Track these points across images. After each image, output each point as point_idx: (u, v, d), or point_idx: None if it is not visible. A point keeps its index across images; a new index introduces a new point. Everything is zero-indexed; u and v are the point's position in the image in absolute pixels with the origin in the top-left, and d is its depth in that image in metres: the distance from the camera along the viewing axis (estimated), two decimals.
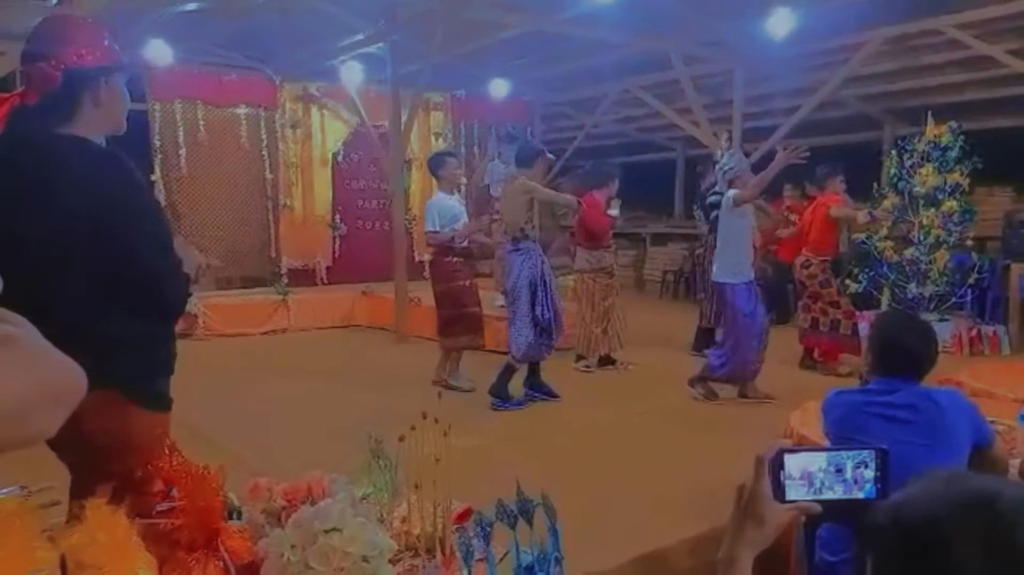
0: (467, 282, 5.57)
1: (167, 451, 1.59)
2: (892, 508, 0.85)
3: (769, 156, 8.32)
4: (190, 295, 1.87)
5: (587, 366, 6.22)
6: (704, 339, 6.51)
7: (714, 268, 5.29)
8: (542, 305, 5.04)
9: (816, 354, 6.19)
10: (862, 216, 6.40)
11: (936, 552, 0.78)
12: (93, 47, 1.76)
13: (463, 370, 5.65)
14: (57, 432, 0.73)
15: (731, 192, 5.06)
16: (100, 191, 1.68)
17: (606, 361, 6.27)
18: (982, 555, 0.75)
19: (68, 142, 1.72)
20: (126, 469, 1.62)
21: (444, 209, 5.45)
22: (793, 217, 7.56)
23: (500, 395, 5.13)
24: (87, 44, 1.75)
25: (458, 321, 5.54)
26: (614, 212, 6.05)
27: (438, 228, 5.42)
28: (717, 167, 5.36)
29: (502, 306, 7.40)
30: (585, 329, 6.21)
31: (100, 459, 1.68)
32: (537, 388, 5.32)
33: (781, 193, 8.52)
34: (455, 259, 5.52)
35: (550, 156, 5.26)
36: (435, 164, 5.63)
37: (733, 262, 5.08)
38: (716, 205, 5.24)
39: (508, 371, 5.15)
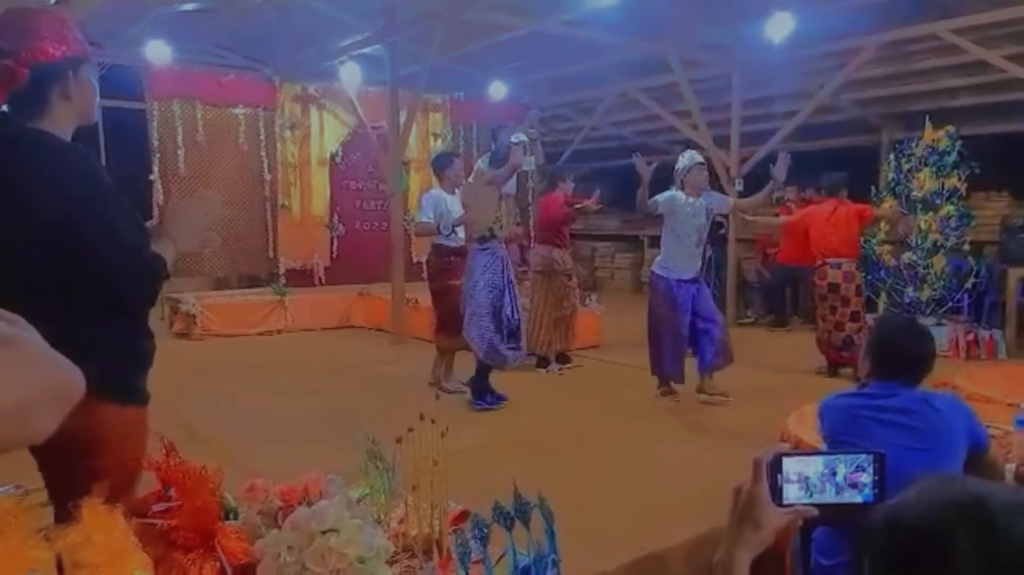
0: (461, 282, 5.56)
1: (164, 451, 1.59)
2: (887, 511, 0.85)
3: (768, 160, 8.40)
4: (156, 285, 1.79)
5: (561, 369, 6.29)
6: None
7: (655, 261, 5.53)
8: (510, 306, 4.93)
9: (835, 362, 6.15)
10: (899, 212, 6.58)
11: (930, 555, 0.78)
12: (59, 40, 1.69)
13: (456, 372, 5.62)
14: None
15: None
16: (58, 186, 1.65)
17: (563, 359, 6.39)
18: (976, 557, 0.76)
19: (29, 135, 1.69)
20: (103, 466, 1.61)
21: (439, 203, 5.43)
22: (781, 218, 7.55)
23: (479, 395, 5.09)
24: (53, 37, 1.69)
25: (451, 321, 5.50)
26: (567, 186, 6.29)
27: (433, 220, 5.40)
28: (676, 170, 5.45)
29: None
30: (541, 329, 6.26)
31: (73, 457, 1.65)
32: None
33: (784, 197, 8.53)
34: (452, 258, 5.51)
35: (529, 133, 5.24)
36: (442, 163, 5.62)
37: (669, 259, 5.24)
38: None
39: (483, 370, 5.07)
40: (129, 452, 1.75)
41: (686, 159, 5.29)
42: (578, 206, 6.30)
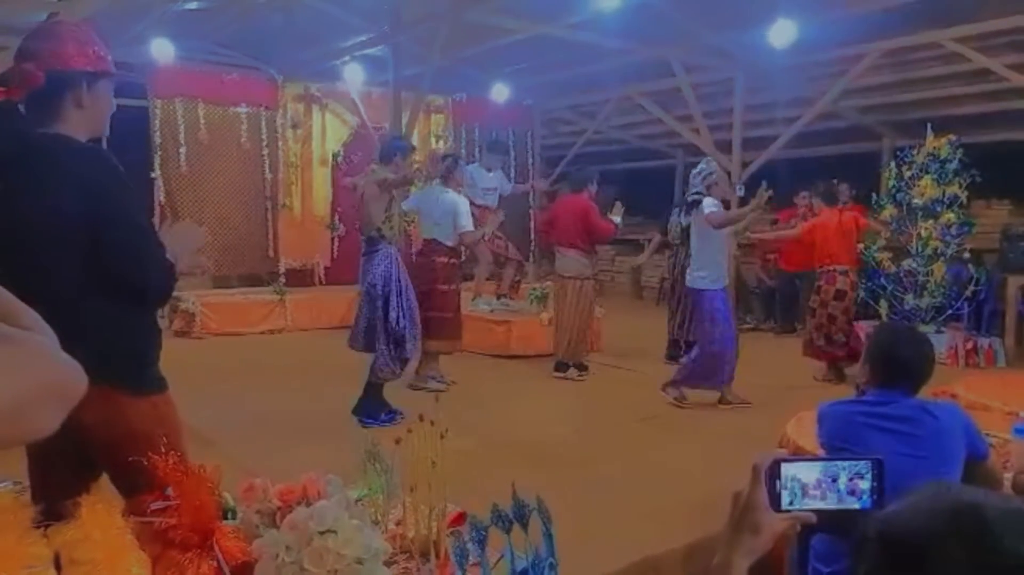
0: (452, 287, 5.52)
1: (161, 450, 1.59)
2: (880, 520, 0.85)
3: (768, 165, 8.40)
4: (174, 282, 1.92)
5: (581, 375, 6.14)
6: (675, 348, 6.53)
7: (689, 274, 5.40)
8: (397, 310, 4.66)
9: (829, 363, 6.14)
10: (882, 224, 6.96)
11: (922, 563, 0.78)
12: (79, 52, 1.85)
13: (443, 368, 5.58)
14: (59, 434, 0.73)
15: (708, 203, 5.15)
16: (84, 185, 1.76)
17: (581, 367, 6.19)
18: (968, 566, 0.76)
19: (53, 139, 1.80)
20: (138, 454, 1.61)
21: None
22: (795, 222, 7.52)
23: (370, 414, 4.71)
24: (74, 49, 1.84)
25: (436, 324, 5.42)
26: (617, 219, 6.01)
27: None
28: (695, 171, 5.41)
29: (492, 310, 7.39)
30: (575, 336, 6.11)
31: (125, 452, 1.69)
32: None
33: (792, 200, 8.50)
34: (453, 261, 5.48)
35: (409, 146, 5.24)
36: (451, 166, 5.68)
37: (708, 269, 5.19)
38: (694, 204, 5.29)
39: (373, 387, 4.80)
40: (171, 433, 1.81)
41: (713, 166, 5.33)
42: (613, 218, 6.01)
